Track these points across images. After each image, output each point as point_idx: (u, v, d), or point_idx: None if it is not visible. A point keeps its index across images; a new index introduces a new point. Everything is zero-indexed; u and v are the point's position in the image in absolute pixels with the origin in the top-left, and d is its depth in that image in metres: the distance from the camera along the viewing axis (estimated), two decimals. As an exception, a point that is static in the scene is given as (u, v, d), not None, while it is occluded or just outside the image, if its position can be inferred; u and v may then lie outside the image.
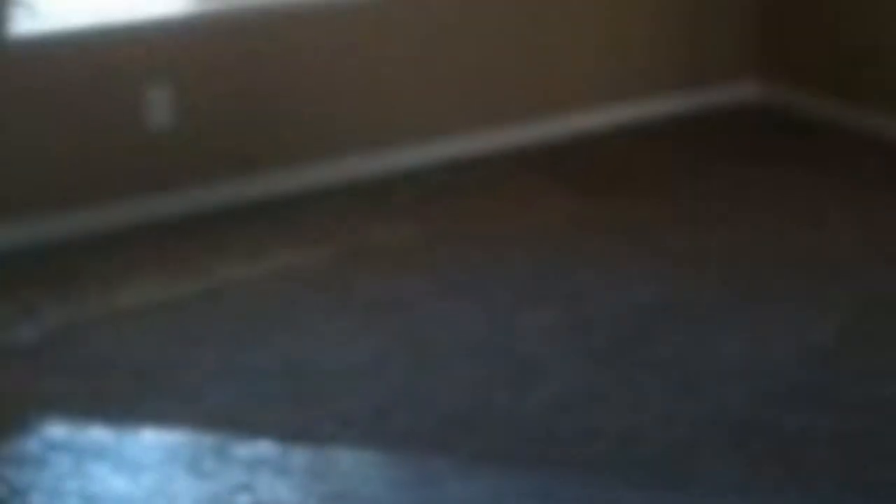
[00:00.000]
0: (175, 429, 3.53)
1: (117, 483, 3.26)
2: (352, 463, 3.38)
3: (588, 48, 5.95)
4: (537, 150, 5.75)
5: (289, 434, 3.48)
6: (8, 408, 3.71)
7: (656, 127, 6.06)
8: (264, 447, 3.40)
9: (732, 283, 4.45)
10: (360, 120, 5.44)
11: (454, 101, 5.67)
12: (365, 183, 5.37)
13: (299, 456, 3.37)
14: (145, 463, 3.38)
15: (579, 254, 4.71)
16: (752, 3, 6.37)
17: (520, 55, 5.78)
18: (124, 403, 3.67)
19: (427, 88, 5.60)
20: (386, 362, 3.92)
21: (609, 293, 4.38)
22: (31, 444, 3.46)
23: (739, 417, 3.58)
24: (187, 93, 5.06)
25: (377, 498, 3.26)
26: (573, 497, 3.20)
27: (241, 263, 4.64)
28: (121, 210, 4.94)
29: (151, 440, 3.47)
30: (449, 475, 3.30)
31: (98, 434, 3.49)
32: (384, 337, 4.07)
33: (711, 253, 4.71)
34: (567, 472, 3.34)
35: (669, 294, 4.36)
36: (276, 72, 5.24)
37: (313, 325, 4.17)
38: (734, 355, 3.92)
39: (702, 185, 5.39)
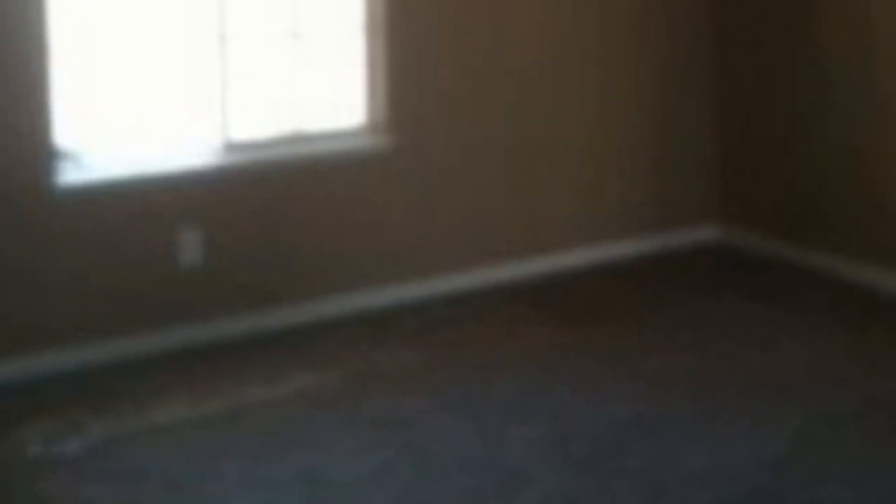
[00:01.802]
0: (203, 532, 3.54)
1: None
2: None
3: (567, 197, 5.94)
4: (524, 286, 5.71)
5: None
6: (56, 512, 3.73)
7: (628, 265, 6.02)
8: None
9: (696, 401, 4.44)
10: (367, 258, 5.40)
11: (451, 242, 5.64)
12: (372, 314, 5.32)
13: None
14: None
15: (560, 376, 4.68)
16: (712, 157, 6.34)
17: (508, 203, 5.76)
18: (158, 509, 3.68)
19: (426, 231, 5.57)
20: (390, 473, 3.91)
21: (587, 410, 4.37)
22: (76, 545, 3.47)
23: (703, 519, 3.61)
24: (215, 234, 5.03)
25: None
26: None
27: (262, 386, 4.61)
28: (155, 338, 4.88)
29: (182, 542, 3.47)
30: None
31: (135, 536, 3.50)
32: (388, 450, 4.05)
33: (677, 375, 4.68)
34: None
35: (641, 411, 4.35)
36: (293, 216, 5.21)
37: (326, 440, 4.16)
38: (698, 464, 3.92)
39: (668, 316, 5.35)
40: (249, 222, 5.12)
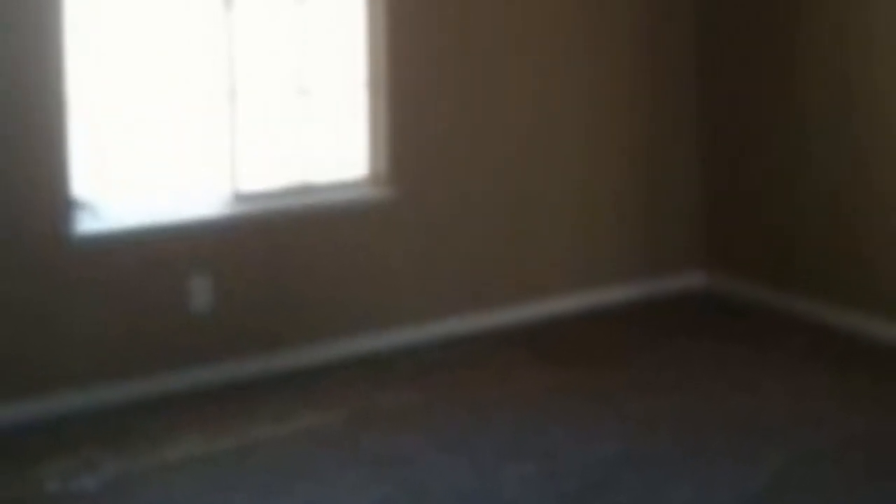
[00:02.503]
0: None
1: None
2: None
3: (560, 246, 5.94)
4: (518, 330, 5.71)
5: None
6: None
7: (618, 310, 6.02)
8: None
9: (681, 439, 4.43)
10: (369, 303, 5.39)
11: (448, 288, 5.63)
12: (372, 357, 5.31)
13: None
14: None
15: (553, 415, 4.67)
16: (697, 208, 6.33)
17: (503, 251, 5.76)
18: (171, 541, 3.67)
19: (425, 277, 5.56)
20: (390, 506, 3.90)
21: (578, 448, 4.37)
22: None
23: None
24: (224, 281, 5.02)
25: None
26: None
27: (269, 424, 4.60)
28: (167, 379, 4.88)
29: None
30: None
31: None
32: (388, 485, 4.06)
33: (664, 415, 4.67)
34: None
35: (628, 449, 4.35)
36: (298, 263, 5.20)
37: (329, 475, 4.16)
38: (683, 500, 3.92)
39: (656, 359, 5.34)
40: (257, 269, 5.12)
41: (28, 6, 4.54)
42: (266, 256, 5.15)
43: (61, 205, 4.68)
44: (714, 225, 6.37)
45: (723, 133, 6.27)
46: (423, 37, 5.46)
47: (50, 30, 4.58)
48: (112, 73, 4.86)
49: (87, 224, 4.77)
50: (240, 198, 5.14)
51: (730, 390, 4.96)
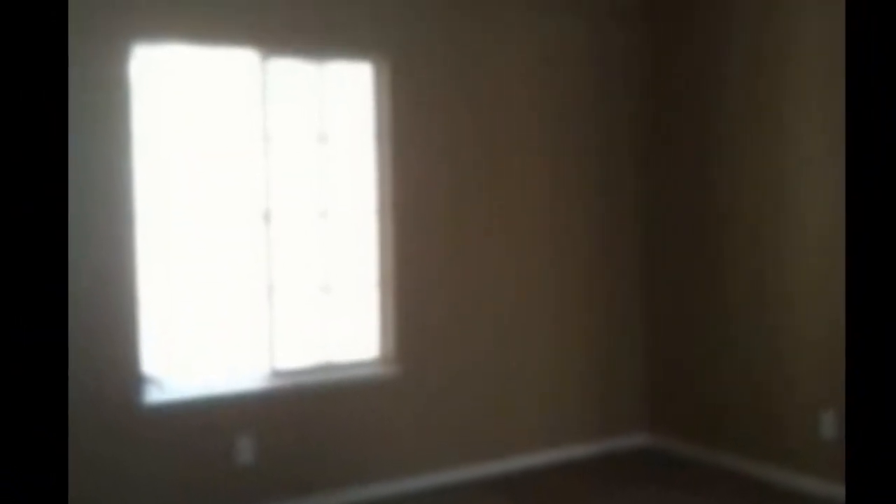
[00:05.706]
0: None
1: None
2: None
3: (533, 412, 6.03)
4: (499, 479, 5.78)
5: None
6: None
7: (580, 463, 6.09)
8: None
9: None
10: (379, 458, 5.48)
11: (443, 445, 5.72)
12: (383, 500, 5.38)
13: None
14: None
15: None
16: (643, 382, 6.42)
17: (488, 416, 5.85)
18: None
19: (424, 437, 5.65)
20: None
21: None
22: None
23: None
24: (264, 440, 5.12)
25: None
26: None
27: None
28: None
29: None
30: None
31: None
32: None
33: None
34: None
35: None
36: (324, 426, 5.30)
37: None
38: None
39: (610, 503, 5.33)
40: (291, 431, 5.22)
41: (107, 230, 4.77)
42: (298, 420, 5.27)
43: (133, 380, 4.84)
44: (656, 396, 6.47)
45: (663, 323, 6.38)
46: (423, 246, 5.65)
47: (125, 244, 4.80)
48: (174, 274, 5.03)
49: (154, 395, 4.93)
50: (276, 374, 5.29)
51: (670, 528, 5.03)
